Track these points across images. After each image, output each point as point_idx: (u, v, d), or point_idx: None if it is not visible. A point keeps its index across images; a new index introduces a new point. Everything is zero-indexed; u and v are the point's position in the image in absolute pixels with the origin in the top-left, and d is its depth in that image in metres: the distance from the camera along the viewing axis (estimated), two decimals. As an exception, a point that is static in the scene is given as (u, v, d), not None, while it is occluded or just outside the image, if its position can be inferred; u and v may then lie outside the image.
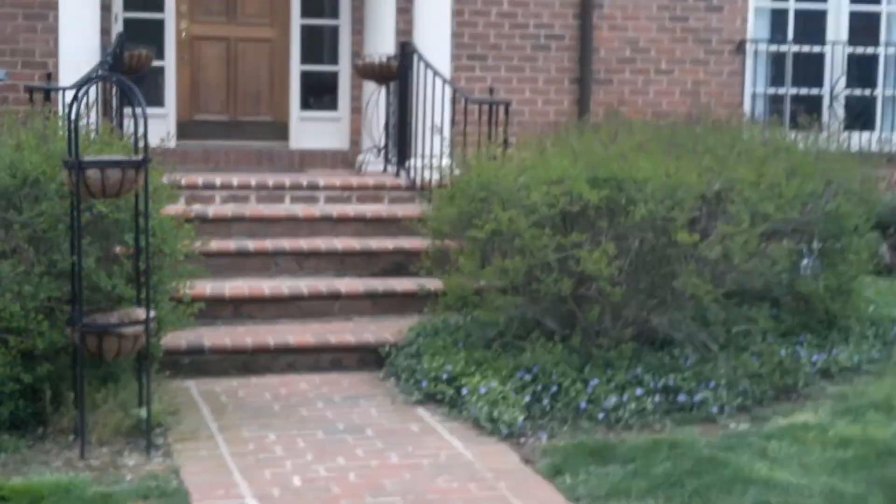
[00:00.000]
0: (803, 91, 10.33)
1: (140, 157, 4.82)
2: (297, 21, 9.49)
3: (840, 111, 10.28)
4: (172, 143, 8.69)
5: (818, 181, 6.46)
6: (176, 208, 6.05)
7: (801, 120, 7.63)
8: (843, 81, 10.33)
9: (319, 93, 9.74)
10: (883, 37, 10.53)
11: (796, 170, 6.42)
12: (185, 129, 9.32)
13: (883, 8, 10.56)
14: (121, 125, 6.99)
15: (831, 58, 10.34)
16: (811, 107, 10.21)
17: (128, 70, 7.69)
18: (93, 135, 5.68)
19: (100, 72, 6.81)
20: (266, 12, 9.48)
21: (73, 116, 4.65)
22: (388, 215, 7.61)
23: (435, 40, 8.20)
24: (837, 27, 10.37)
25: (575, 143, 6.62)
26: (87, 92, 4.84)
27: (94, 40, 7.37)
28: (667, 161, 6.07)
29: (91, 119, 6.02)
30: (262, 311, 6.58)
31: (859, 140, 9.49)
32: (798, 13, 10.38)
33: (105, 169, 4.65)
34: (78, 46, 7.27)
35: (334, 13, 9.59)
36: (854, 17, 10.45)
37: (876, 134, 10.25)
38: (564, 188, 5.75)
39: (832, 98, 10.31)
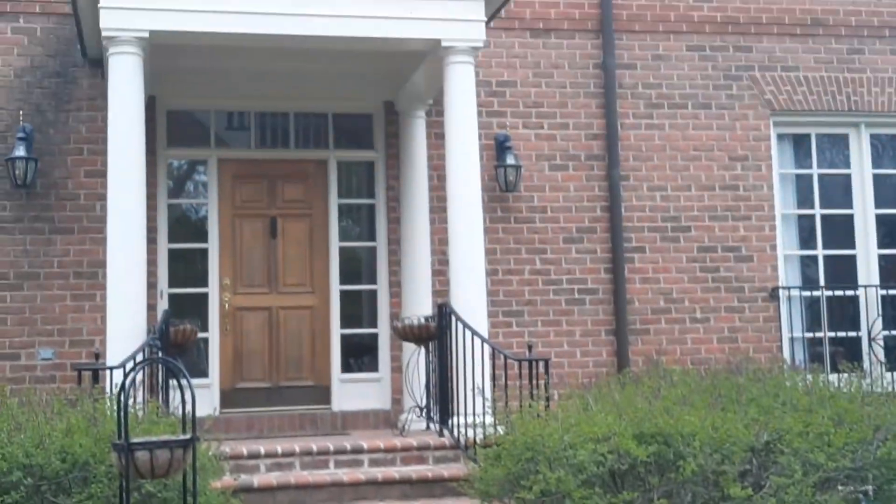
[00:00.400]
0: (841, 334, 10.36)
1: (188, 436, 4.87)
2: (336, 287, 9.75)
3: (880, 352, 10.28)
4: (216, 413, 8.79)
5: (866, 427, 6.38)
6: (222, 481, 6.03)
7: (843, 365, 7.63)
8: (879, 322, 10.37)
9: (360, 354, 9.88)
10: (914, 278, 10.70)
11: (843, 417, 6.36)
12: (228, 397, 9.42)
13: (911, 251, 10.80)
14: (166, 400, 7.09)
15: (865, 300, 10.44)
16: (850, 348, 10.24)
17: (173, 344, 7.88)
18: (140, 413, 5.76)
19: (147, 351, 6.98)
20: (307, 281, 9.76)
21: (121, 401, 4.73)
22: (433, 476, 7.54)
23: (471, 299, 8.31)
24: (868, 270, 10.53)
25: (618, 397, 6.62)
26: (134, 377, 4.95)
27: (141, 318, 7.57)
28: (712, 413, 6.06)
29: (138, 398, 6.11)
30: (310, 584, 6.43)
31: (903, 380, 9.43)
32: (827, 259, 10.57)
33: (154, 450, 4.70)
34: (125, 324, 7.43)
35: (372, 279, 9.86)
36: (883, 259, 10.63)
37: (919, 374, 10.18)
38: (611, 445, 5.71)
39: (871, 340, 10.33)
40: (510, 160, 9.82)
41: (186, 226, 9.83)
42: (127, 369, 6.19)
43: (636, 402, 6.34)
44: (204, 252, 9.60)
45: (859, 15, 10.75)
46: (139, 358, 6.75)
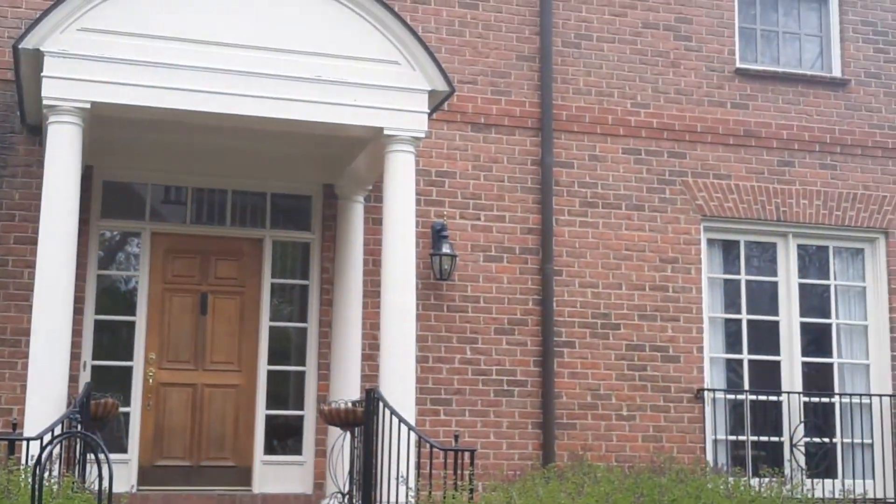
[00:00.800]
0: (763, 438, 10.48)
1: (103, 513, 4.77)
2: (263, 367, 9.66)
3: (801, 458, 10.40)
4: (133, 490, 8.60)
5: (785, 534, 6.45)
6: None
7: (764, 470, 7.72)
8: (801, 429, 10.51)
9: (284, 436, 9.77)
10: (836, 386, 10.88)
11: (763, 522, 6.43)
12: (147, 474, 9.22)
13: (834, 360, 10.98)
14: (83, 474, 6.93)
15: (788, 406, 10.59)
16: (772, 453, 10.38)
17: (93, 418, 7.72)
18: (55, 487, 5.62)
19: (65, 424, 6.84)
20: (234, 359, 9.66)
21: (37, 474, 4.63)
22: (351, 567, 7.42)
23: (399, 386, 8.27)
24: (792, 377, 10.70)
25: (541, 492, 6.63)
26: (51, 450, 4.85)
27: (62, 389, 7.41)
28: (633, 513, 6.07)
29: (54, 471, 5.97)
30: None
31: (822, 489, 9.56)
32: (752, 363, 10.74)
33: (67, 526, 4.59)
34: (45, 395, 7.26)
35: (301, 360, 9.80)
36: (807, 366, 10.83)
37: (838, 482, 10.30)
38: (532, 542, 5.70)
39: (792, 446, 10.45)
40: (446, 249, 9.90)
41: (115, 297, 9.71)
42: (44, 442, 6.09)
43: (559, 498, 6.35)
44: (131, 325, 9.47)
45: (791, 129, 11.12)
46: (57, 430, 6.62)
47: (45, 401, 7.23)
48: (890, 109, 11.44)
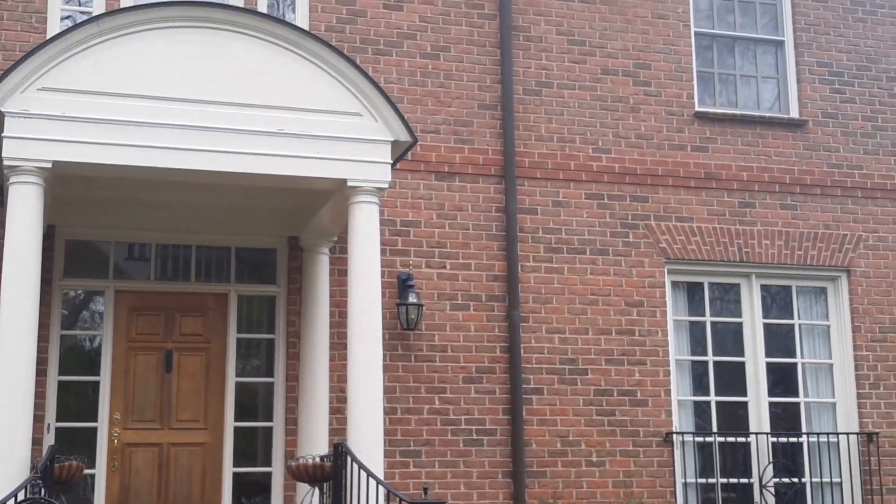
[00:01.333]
0: (733, 480, 10.48)
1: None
2: (230, 424, 9.57)
3: (771, 499, 10.41)
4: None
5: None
6: None
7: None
8: (770, 470, 10.53)
9: (252, 494, 9.66)
10: (804, 426, 10.92)
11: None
12: (113, 537, 9.10)
13: (801, 399, 11.03)
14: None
15: (756, 447, 10.61)
16: (743, 494, 10.38)
17: (57, 482, 7.61)
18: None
19: (28, 490, 6.74)
20: (200, 416, 9.56)
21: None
22: None
23: (367, 439, 8.21)
24: (759, 417, 10.74)
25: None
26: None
27: (25, 453, 7.28)
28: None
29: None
30: None
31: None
32: (720, 405, 10.76)
33: None
34: (7, 461, 7.10)
35: (268, 415, 9.72)
36: (774, 406, 10.87)
37: (810, 524, 10.35)
38: None
39: (762, 486, 10.46)
40: (412, 298, 9.88)
41: (79, 357, 9.59)
42: (7, 510, 5.98)
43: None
44: (96, 385, 9.36)
45: (751, 171, 11.23)
46: (21, 496, 6.52)
47: (7, 466, 7.12)
48: (847, 149, 11.60)
